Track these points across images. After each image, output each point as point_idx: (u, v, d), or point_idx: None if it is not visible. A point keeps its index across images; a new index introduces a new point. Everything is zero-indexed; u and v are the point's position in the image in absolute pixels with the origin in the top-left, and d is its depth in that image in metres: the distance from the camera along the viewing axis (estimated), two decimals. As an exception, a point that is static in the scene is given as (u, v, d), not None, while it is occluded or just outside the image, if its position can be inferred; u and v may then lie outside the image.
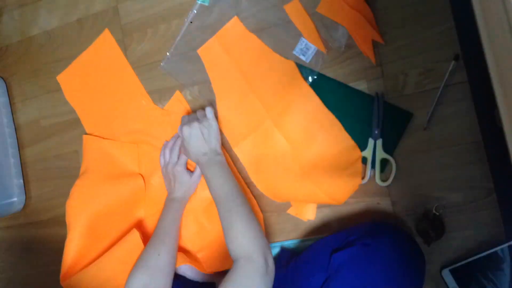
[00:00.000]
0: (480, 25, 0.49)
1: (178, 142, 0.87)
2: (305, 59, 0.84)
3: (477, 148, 0.76)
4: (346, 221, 0.83)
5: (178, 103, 0.92)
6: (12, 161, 1.02)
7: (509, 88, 0.44)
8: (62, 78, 1.00)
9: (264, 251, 0.65)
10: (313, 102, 0.83)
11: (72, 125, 1.00)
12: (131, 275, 0.72)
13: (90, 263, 0.85)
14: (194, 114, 0.83)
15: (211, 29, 0.88)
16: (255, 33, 0.86)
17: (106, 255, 0.84)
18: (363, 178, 0.81)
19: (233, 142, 0.88)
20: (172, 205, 0.84)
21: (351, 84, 0.82)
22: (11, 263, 1.06)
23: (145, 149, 0.93)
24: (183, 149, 0.82)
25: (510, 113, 0.45)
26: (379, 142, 0.80)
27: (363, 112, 0.81)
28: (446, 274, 0.76)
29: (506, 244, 0.72)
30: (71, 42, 1.00)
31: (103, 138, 0.95)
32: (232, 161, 0.88)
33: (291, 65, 0.84)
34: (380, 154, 0.80)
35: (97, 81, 0.97)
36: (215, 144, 0.80)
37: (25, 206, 1.04)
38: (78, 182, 0.92)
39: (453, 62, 0.76)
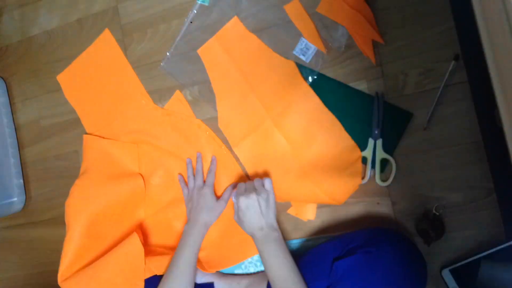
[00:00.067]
0: (480, 25, 0.49)
1: (200, 165, 0.87)
2: (305, 59, 0.84)
3: (477, 148, 0.76)
4: (346, 221, 0.83)
5: (178, 103, 0.92)
6: (12, 161, 1.03)
7: (509, 88, 0.44)
8: (62, 78, 1.00)
9: None
10: (313, 102, 0.83)
11: (72, 125, 1.00)
12: None
13: (89, 263, 0.85)
14: (251, 183, 0.78)
15: (211, 29, 0.88)
16: (255, 33, 0.86)
17: (105, 257, 0.83)
18: (363, 178, 0.81)
19: (233, 142, 0.88)
20: (192, 231, 0.80)
21: (351, 84, 0.82)
22: (11, 263, 1.06)
23: (145, 149, 0.93)
24: (237, 219, 0.77)
25: (510, 113, 0.45)
26: (379, 142, 0.80)
27: (363, 112, 0.81)
28: (446, 274, 0.76)
29: (506, 244, 0.72)
30: (71, 42, 1.00)
31: (103, 137, 0.95)
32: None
33: (291, 65, 0.84)
34: (380, 154, 0.80)
35: (97, 81, 0.97)
36: (272, 218, 0.75)
37: (25, 206, 1.04)
38: (78, 182, 0.92)
39: (453, 62, 0.76)
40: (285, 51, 0.85)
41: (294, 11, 0.84)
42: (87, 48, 0.98)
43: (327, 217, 0.85)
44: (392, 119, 0.80)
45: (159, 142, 0.91)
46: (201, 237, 0.80)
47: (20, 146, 1.05)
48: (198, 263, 0.85)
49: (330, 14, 0.81)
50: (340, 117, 0.82)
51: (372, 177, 0.81)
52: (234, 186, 0.86)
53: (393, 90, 0.80)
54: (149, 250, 0.87)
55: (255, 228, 0.74)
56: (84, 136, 0.97)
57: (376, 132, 0.80)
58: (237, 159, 0.88)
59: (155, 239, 0.92)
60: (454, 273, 0.76)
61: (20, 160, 1.05)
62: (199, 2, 0.89)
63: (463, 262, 0.75)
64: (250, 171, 0.87)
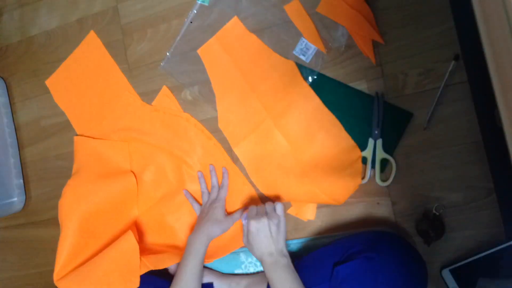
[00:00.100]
0: (480, 25, 0.49)
1: (215, 179, 0.88)
2: (305, 59, 0.84)
3: (477, 148, 0.76)
4: (346, 221, 0.83)
5: (166, 98, 0.92)
6: (12, 161, 1.03)
7: (509, 88, 0.44)
8: (51, 82, 1.01)
9: None
10: (313, 102, 0.83)
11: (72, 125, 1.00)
12: None
13: (84, 261, 0.85)
14: (262, 207, 0.77)
15: (211, 29, 0.89)
16: (255, 33, 0.86)
17: (100, 254, 0.83)
18: (363, 178, 0.81)
19: (233, 142, 0.88)
20: (194, 240, 0.79)
21: (351, 84, 0.82)
22: (11, 263, 1.06)
23: (136, 146, 0.93)
24: (246, 242, 0.76)
25: (510, 113, 0.45)
26: (379, 142, 0.80)
27: (363, 112, 0.81)
28: (446, 274, 0.76)
29: (506, 244, 0.72)
30: (71, 42, 1.00)
31: (94, 138, 0.96)
32: (232, 161, 0.88)
33: (291, 65, 0.84)
34: (380, 154, 0.80)
35: (85, 83, 0.98)
36: (282, 244, 0.74)
37: (25, 206, 1.04)
38: (70, 182, 0.92)
39: (453, 62, 0.76)
40: (285, 51, 0.85)
41: (294, 11, 0.84)
42: (73, 52, 0.99)
43: (327, 217, 0.85)
44: (392, 119, 0.80)
45: (149, 138, 0.92)
46: (204, 247, 0.78)
47: (20, 146, 1.05)
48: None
49: (330, 14, 0.82)
50: (340, 117, 0.82)
51: (372, 177, 0.81)
52: (245, 208, 0.86)
53: (393, 90, 0.80)
54: (143, 246, 0.88)
55: (264, 253, 0.72)
56: (75, 137, 0.97)
57: (376, 132, 0.80)
58: (237, 159, 0.88)
59: (150, 235, 0.92)
60: (454, 273, 0.76)
61: (20, 160, 1.05)
62: (199, 2, 0.89)
63: (463, 262, 0.75)
64: (250, 171, 0.87)
